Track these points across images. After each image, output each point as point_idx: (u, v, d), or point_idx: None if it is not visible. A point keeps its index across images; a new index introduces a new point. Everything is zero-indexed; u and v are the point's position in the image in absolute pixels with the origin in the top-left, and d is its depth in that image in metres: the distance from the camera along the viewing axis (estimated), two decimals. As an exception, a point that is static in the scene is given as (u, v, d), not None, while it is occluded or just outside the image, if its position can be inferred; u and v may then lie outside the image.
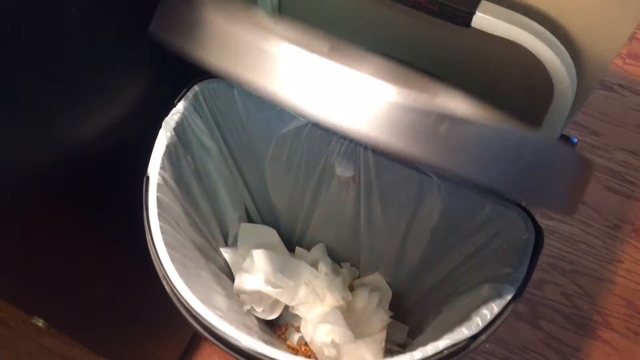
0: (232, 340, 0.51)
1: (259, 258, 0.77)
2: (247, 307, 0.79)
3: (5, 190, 0.51)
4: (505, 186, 0.45)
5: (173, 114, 0.65)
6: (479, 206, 0.63)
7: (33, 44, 0.46)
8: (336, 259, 0.88)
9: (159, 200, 0.59)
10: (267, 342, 0.51)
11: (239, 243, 0.81)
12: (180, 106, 0.65)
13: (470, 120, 0.40)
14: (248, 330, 0.62)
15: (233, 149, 0.75)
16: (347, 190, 0.74)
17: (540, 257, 1.06)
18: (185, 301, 0.53)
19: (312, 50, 0.43)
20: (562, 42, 0.50)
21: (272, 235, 0.84)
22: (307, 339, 0.81)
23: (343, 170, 0.71)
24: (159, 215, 0.58)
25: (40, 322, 0.89)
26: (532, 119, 0.58)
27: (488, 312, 0.53)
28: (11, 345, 1.10)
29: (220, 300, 0.67)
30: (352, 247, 0.84)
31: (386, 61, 0.55)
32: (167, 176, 0.62)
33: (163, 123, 0.63)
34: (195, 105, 0.67)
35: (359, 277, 0.87)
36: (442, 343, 0.51)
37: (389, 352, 0.80)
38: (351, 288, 0.86)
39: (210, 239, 0.76)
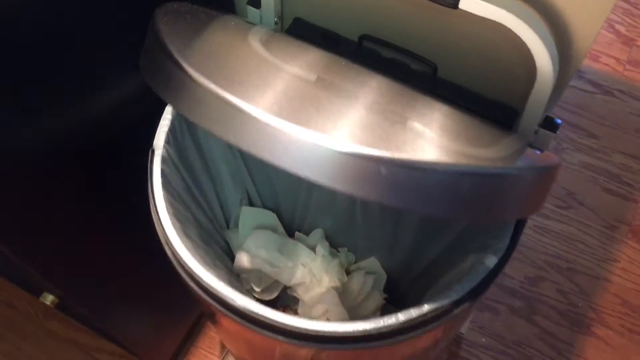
0: (228, 300, 0.54)
1: (259, 238, 0.80)
2: (246, 287, 0.82)
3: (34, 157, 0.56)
4: (452, 214, 0.48)
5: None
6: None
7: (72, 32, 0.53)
8: (334, 245, 0.91)
9: (163, 172, 0.62)
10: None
11: (240, 225, 0.84)
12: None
13: (412, 161, 0.44)
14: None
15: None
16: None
17: (537, 255, 1.08)
18: (185, 263, 0.56)
19: (300, 79, 0.50)
20: (546, 23, 0.54)
21: (272, 218, 0.88)
22: (304, 320, 0.84)
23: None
24: (163, 185, 0.61)
25: (48, 300, 0.92)
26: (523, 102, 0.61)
27: (471, 279, 0.55)
28: (19, 328, 1.13)
29: (222, 275, 0.70)
30: (348, 234, 0.87)
31: (377, 85, 0.59)
32: (172, 151, 0.65)
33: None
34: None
35: (355, 262, 0.90)
36: (427, 306, 0.54)
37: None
38: (348, 273, 0.89)
39: (213, 219, 0.79)
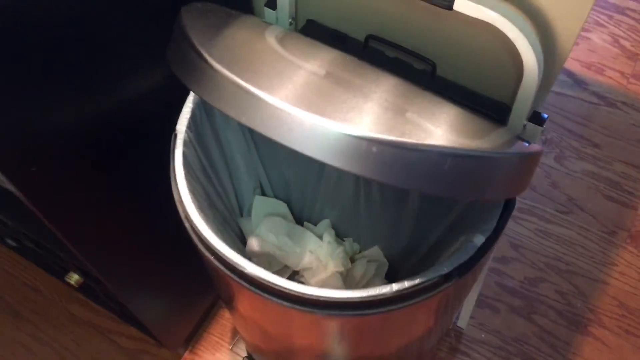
0: (240, 268, 0.60)
1: (270, 223, 0.86)
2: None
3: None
4: (446, 192, 0.53)
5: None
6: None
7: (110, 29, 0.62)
8: (340, 235, 0.97)
9: (184, 154, 0.69)
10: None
11: (252, 214, 0.90)
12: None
13: (401, 142, 0.50)
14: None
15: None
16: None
17: (538, 257, 1.13)
18: (202, 234, 0.62)
19: (310, 72, 0.57)
20: (532, 24, 0.59)
21: (283, 208, 0.94)
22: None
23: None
24: (184, 165, 0.67)
25: (73, 279, 0.98)
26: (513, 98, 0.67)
27: (461, 255, 0.61)
28: (42, 311, 1.19)
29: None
30: (353, 224, 0.93)
31: (382, 80, 0.65)
32: (192, 137, 0.72)
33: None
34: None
35: (360, 252, 0.96)
36: (418, 279, 0.59)
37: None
38: (352, 262, 0.95)
39: (228, 205, 0.86)
